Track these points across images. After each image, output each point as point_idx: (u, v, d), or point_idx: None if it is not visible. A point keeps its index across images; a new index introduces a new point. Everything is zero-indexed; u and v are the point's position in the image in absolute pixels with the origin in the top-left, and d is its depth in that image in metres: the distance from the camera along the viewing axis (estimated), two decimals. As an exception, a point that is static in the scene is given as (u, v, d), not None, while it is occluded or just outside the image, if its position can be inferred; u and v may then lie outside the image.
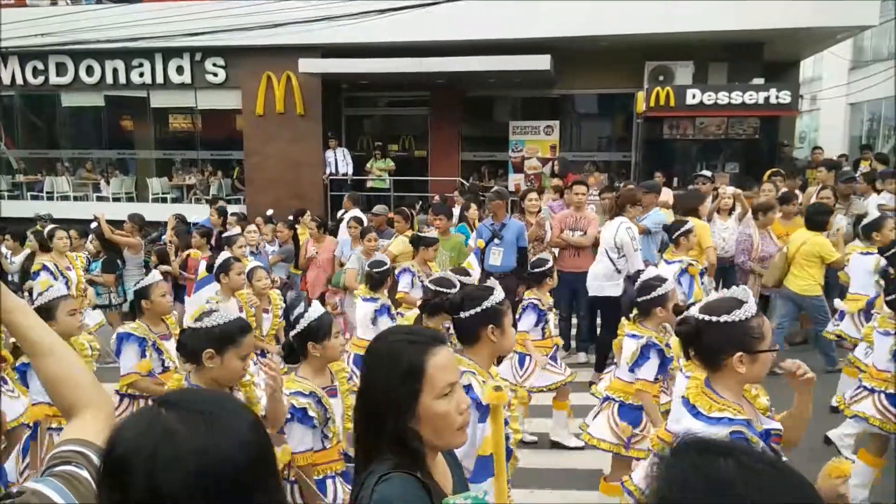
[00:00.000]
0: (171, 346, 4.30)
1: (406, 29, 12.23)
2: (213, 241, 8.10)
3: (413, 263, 6.06)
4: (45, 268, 6.90)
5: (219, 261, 5.29)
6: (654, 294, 3.83)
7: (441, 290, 3.76)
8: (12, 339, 2.88)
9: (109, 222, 8.48)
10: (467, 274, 4.66)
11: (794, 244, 6.48)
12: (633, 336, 3.89)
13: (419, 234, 6.45)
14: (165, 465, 0.95)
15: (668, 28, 11.70)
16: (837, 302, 5.93)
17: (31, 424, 3.81)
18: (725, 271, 7.29)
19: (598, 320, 7.03)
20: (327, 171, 14.10)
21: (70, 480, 1.24)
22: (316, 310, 3.11)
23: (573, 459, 5.03)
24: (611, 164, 14.99)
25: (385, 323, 5.12)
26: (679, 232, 5.66)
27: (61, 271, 6.97)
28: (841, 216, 7.48)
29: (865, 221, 6.10)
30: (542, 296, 5.26)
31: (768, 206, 7.11)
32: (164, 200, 15.76)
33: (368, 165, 14.30)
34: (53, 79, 15.33)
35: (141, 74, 14.88)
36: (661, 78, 12.85)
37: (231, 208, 10.83)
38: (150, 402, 1.14)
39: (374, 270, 5.23)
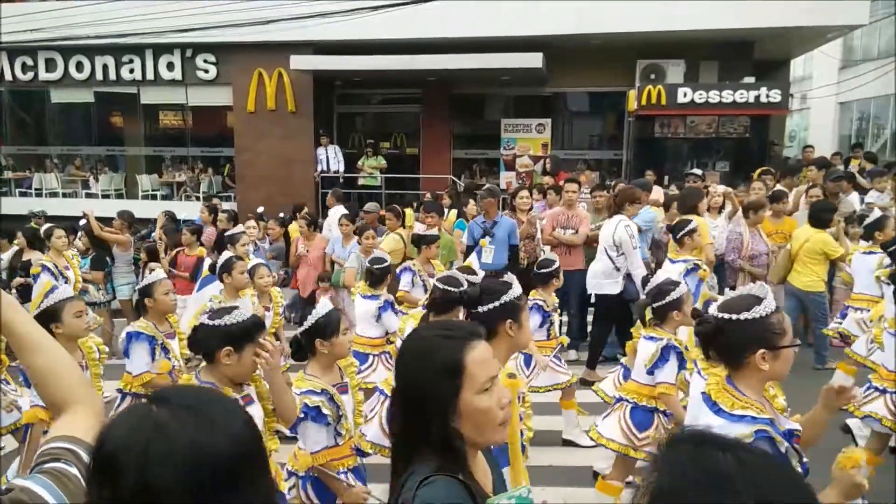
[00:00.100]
0: (175, 344, 4.30)
1: (398, 26, 12.22)
2: (202, 239, 8.02)
3: (415, 262, 6.06)
4: (45, 268, 6.74)
5: (221, 260, 5.27)
6: (669, 298, 3.82)
7: (449, 288, 3.76)
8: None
9: (98, 219, 8.43)
10: (474, 273, 4.66)
11: (798, 241, 6.53)
12: (651, 338, 3.87)
13: (420, 234, 6.43)
14: (158, 459, 0.94)
15: (660, 27, 11.75)
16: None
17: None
18: (715, 269, 7.29)
19: (589, 318, 7.04)
20: (319, 169, 14.04)
21: (59, 477, 1.23)
22: (324, 306, 3.11)
23: (573, 458, 5.02)
24: (602, 162, 15.02)
25: (389, 318, 5.14)
26: (683, 231, 5.55)
27: (60, 271, 6.83)
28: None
29: (867, 221, 6.08)
30: (547, 296, 5.23)
31: (758, 204, 7.13)
32: (153, 197, 15.65)
33: (360, 163, 14.25)
34: (43, 75, 15.22)
35: (131, 71, 14.79)
36: (652, 76, 12.89)
37: (222, 206, 10.77)
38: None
39: (375, 267, 5.24)
